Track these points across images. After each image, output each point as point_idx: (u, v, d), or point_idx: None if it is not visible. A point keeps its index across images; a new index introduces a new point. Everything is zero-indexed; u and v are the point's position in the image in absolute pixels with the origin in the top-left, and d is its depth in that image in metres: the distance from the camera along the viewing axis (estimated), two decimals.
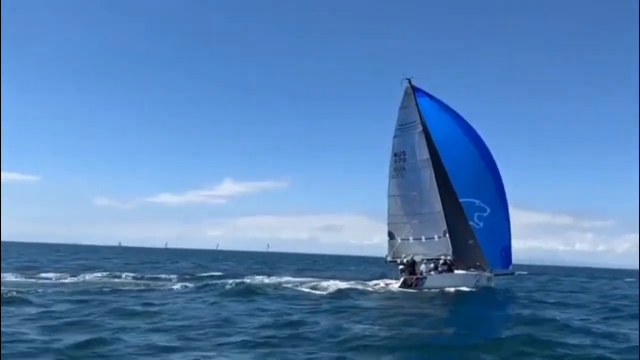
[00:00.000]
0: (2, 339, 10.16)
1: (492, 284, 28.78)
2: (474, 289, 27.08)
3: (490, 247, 29.39)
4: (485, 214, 30.24)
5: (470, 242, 29.09)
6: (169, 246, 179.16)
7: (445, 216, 29.57)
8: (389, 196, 31.21)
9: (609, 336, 13.58)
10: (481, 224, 29.99)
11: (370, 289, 26.21)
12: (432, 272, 27.96)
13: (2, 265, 31.47)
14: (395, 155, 31.56)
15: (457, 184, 30.02)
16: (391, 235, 30.50)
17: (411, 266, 28.25)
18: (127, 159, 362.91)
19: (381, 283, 28.29)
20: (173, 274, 32.44)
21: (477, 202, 30.38)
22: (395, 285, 27.25)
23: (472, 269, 28.40)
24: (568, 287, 37.46)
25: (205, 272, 36.30)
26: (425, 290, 26.48)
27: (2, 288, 17.80)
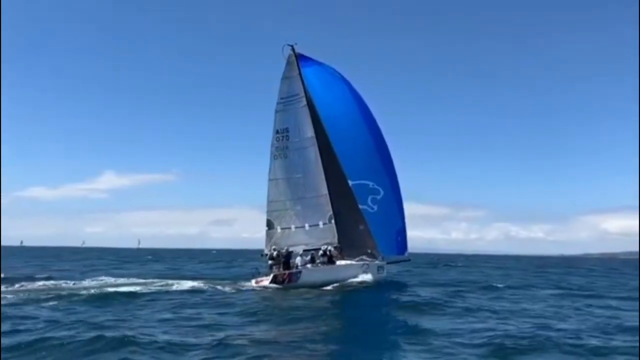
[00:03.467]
0: None
1: (384, 274, 25.43)
2: (360, 281, 23.44)
3: (385, 232, 26.30)
4: (379, 197, 27.18)
5: (361, 227, 25.66)
6: (24, 244, 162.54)
7: (332, 200, 25.91)
8: (270, 180, 26.95)
9: None
10: (375, 208, 26.87)
11: (233, 289, 21.71)
12: (309, 265, 24.00)
13: None
14: (277, 132, 27.39)
15: (348, 164, 26.60)
16: (270, 225, 26.17)
17: (285, 259, 24.12)
18: None
19: (252, 282, 23.90)
20: None
21: (370, 184, 27.23)
22: (265, 282, 22.97)
23: (364, 257, 24.83)
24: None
25: None
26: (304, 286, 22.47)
27: None
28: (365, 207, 26.61)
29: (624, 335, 12.21)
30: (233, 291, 21.36)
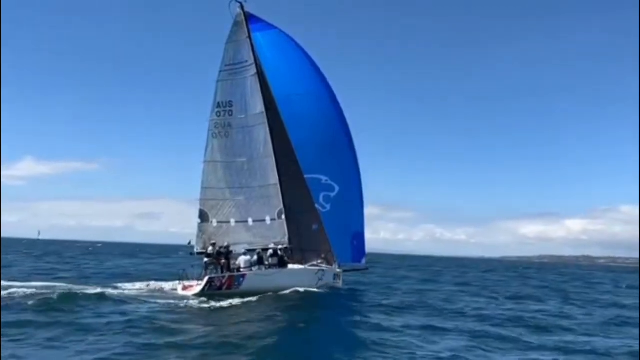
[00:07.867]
0: None
1: (340, 284, 21.29)
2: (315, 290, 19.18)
3: (338, 236, 22.14)
4: (333, 194, 23.05)
5: (314, 227, 21.33)
6: None
7: (283, 192, 21.36)
8: (206, 162, 21.88)
9: None
10: (328, 207, 22.80)
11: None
12: (255, 268, 19.39)
13: None
14: (218, 106, 22.32)
15: (301, 155, 22.17)
16: (204, 217, 21.16)
17: (225, 259, 19.35)
18: None
19: (178, 287, 18.95)
20: None
21: (323, 179, 23.04)
22: (196, 289, 18.14)
23: (320, 262, 20.58)
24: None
25: None
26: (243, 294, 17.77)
27: None
28: (316, 205, 22.46)
29: None
30: None
